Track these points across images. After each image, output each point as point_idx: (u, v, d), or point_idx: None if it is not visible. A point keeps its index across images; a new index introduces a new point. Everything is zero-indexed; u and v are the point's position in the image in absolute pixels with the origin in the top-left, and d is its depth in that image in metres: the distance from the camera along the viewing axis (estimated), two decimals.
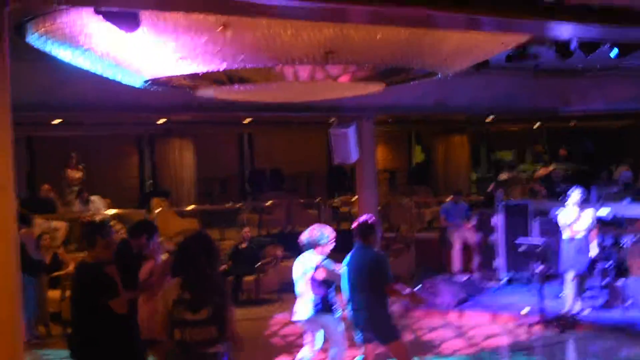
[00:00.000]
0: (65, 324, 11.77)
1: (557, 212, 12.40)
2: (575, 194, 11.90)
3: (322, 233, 8.56)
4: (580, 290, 12.32)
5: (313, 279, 8.45)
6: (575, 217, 11.86)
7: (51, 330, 12.20)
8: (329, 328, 8.58)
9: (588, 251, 11.78)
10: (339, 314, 8.54)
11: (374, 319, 7.98)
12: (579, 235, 11.85)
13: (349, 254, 8.20)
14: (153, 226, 8.46)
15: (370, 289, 7.97)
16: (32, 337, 11.60)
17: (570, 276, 11.98)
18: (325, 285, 8.47)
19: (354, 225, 8.22)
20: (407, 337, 11.61)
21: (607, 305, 12.26)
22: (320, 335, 8.75)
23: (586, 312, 11.93)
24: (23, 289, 10.81)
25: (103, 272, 6.79)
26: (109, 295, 6.68)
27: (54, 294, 12.20)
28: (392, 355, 8.13)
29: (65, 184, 18.00)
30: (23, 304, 10.51)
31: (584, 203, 11.99)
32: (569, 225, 11.91)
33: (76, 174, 18.09)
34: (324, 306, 8.47)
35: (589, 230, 11.83)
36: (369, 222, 8.20)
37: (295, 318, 8.76)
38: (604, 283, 12.64)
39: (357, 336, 8.18)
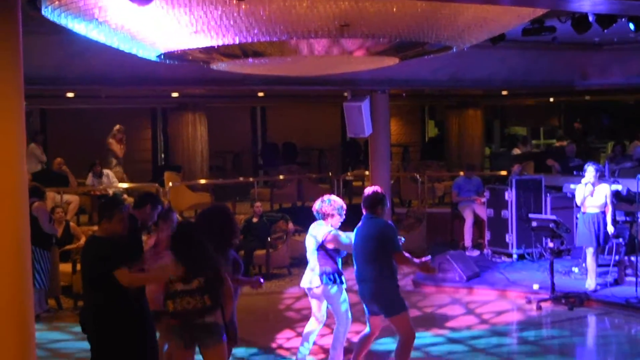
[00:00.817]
0: (76, 297, 11.84)
1: (571, 187, 12.36)
2: (590, 170, 11.85)
3: (333, 204, 8.57)
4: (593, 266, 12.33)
5: (320, 250, 8.48)
6: (589, 192, 11.80)
7: (62, 303, 12.27)
8: (333, 301, 8.61)
9: (602, 227, 11.71)
10: (344, 287, 8.56)
11: (379, 291, 7.99)
12: (594, 211, 11.79)
13: (357, 226, 8.22)
14: (156, 197, 8.52)
15: (378, 260, 7.98)
16: (43, 311, 11.68)
17: (588, 252, 11.94)
18: (333, 257, 8.50)
19: (363, 196, 8.23)
20: (416, 312, 11.66)
21: (617, 282, 12.26)
22: (324, 307, 8.78)
23: (596, 288, 11.91)
24: (35, 262, 11.00)
25: (114, 244, 6.84)
26: (115, 267, 6.73)
27: (65, 267, 12.24)
28: (395, 329, 8.13)
29: (111, 155, 18.24)
30: (34, 277, 10.66)
31: (599, 178, 11.93)
32: (583, 201, 11.87)
33: (119, 146, 18.34)
34: (330, 278, 8.50)
35: (604, 206, 11.78)
36: (378, 193, 8.20)
37: (302, 284, 8.81)
38: (615, 259, 12.64)
39: (365, 309, 8.21)
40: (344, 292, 8.60)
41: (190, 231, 6.99)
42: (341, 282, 8.55)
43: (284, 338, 10.41)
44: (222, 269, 6.87)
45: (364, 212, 8.18)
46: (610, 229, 11.78)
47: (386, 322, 8.21)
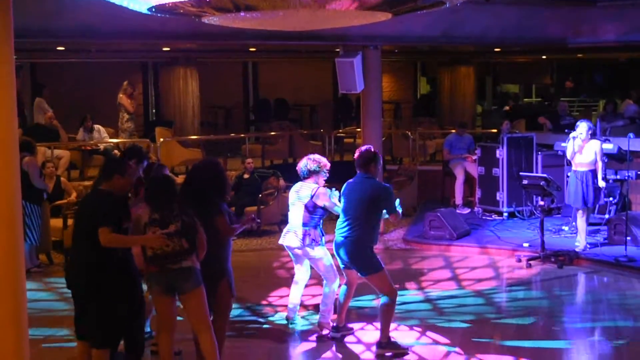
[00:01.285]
0: (66, 252, 11.84)
1: (563, 145, 12.33)
2: (582, 125, 11.80)
3: (318, 162, 8.57)
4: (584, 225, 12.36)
5: (307, 207, 8.49)
6: (578, 147, 11.72)
7: (53, 258, 12.27)
8: (316, 262, 8.64)
9: (591, 186, 11.69)
10: (322, 244, 8.58)
11: (357, 250, 8.05)
12: (583, 169, 11.76)
13: (347, 183, 8.23)
14: (141, 151, 8.47)
15: (366, 221, 8.01)
16: (34, 266, 11.68)
17: (577, 212, 11.94)
18: (316, 217, 8.51)
19: (356, 155, 8.21)
20: (404, 270, 11.71)
21: (607, 241, 12.30)
22: (306, 264, 8.81)
23: (586, 247, 11.96)
24: (25, 217, 10.97)
25: (117, 202, 6.91)
26: (103, 222, 6.75)
27: (56, 222, 12.23)
28: (376, 288, 8.19)
29: (123, 109, 18.26)
30: (25, 233, 10.63)
31: (591, 136, 11.88)
32: (573, 157, 11.85)
33: (127, 101, 18.35)
34: (313, 239, 8.52)
35: (594, 163, 11.72)
36: (370, 151, 8.19)
37: (281, 241, 8.80)
38: (605, 218, 12.69)
39: (339, 262, 8.32)
40: (326, 250, 8.62)
41: (164, 182, 7.10)
42: (322, 243, 8.59)
43: (276, 295, 10.45)
44: (196, 219, 6.91)
45: (358, 171, 8.17)
46: (602, 183, 11.67)
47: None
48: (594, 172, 11.70)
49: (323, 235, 8.63)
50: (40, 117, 17.64)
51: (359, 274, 8.23)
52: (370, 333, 8.76)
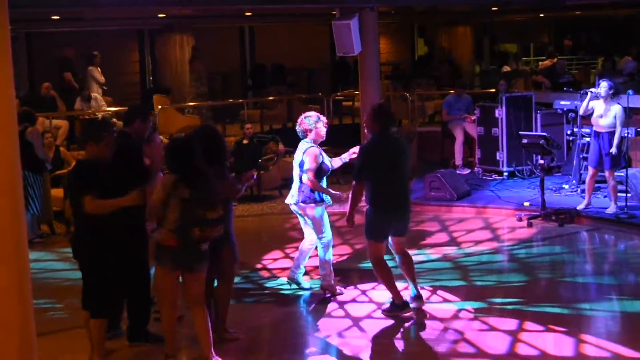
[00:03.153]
0: (68, 222, 11.85)
1: (562, 103, 12.18)
2: (603, 85, 11.45)
3: (310, 118, 8.56)
4: (578, 183, 12.37)
5: (301, 166, 8.50)
6: (604, 111, 11.44)
7: (55, 228, 12.30)
8: (314, 221, 8.66)
9: (608, 149, 11.38)
10: (318, 203, 8.59)
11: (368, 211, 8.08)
12: (602, 130, 11.47)
13: (368, 145, 8.15)
14: (145, 109, 8.39)
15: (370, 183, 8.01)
16: (36, 236, 11.71)
17: (591, 171, 11.80)
18: (316, 174, 8.50)
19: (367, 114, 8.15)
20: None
21: (607, 197, 12.30)
22: (310, 224, 8.81)
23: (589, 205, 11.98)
24: (28, 186, 11.00)
25: (96, 170, 6.81)
26: (86, 190, 6.72)
27: (57, 192, 12.24)
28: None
29: (195, 76, 18.92)
30: (27, 202, 10.64)
31: (612, 97, 11.43)
32: (590, 114, 11.67)
33: (201, 66, 18.99)
34: (310, 198, 8.54)
35: (613, 126, 11.36)
36: (380, 107, 8.20)
37: (286, 201, 8.88)
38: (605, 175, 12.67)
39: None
40: (322, 209, 8.63)
41: (190, 144, 6.92)
42: (322, 201, 8.59)
43: (276, 259, 10.49)
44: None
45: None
46: (613, 149, 11.34)
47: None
48: (609, 135, 11.41)
49: (319, 193, 8.57)
50: (94, 86, 17.87)
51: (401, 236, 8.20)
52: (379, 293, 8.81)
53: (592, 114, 11.64)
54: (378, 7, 14.30)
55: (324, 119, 8.72)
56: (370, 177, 7.97)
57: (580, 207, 11.89)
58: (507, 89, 15.46)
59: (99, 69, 18.18)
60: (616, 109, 11.39)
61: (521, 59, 25.83)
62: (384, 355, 7.42)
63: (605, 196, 12.29)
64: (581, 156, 12.94)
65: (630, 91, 11.80)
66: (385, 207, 8.01)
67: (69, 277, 9.65)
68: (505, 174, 14.64)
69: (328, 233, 8.71)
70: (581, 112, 11.92)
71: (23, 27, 18.76)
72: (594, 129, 11.68)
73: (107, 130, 7.05)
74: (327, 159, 8.66)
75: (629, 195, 11.63)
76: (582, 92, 12.03)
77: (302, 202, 8.59)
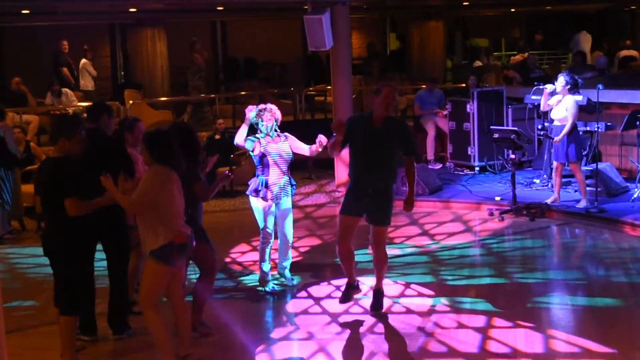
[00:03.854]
0: (39, 218, 11.76)
1: (533, 97, 12.28)
2: (560, 80, 11.64)
3: (252, 110, 8.60)
4: (549, 177, 12.46)
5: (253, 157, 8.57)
6: (555, 102, 11.68)
7: (26, 225, 12.21)
8: (256, 211, 8.69)
9: (567, 140, 11.52)
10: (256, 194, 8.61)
11: None
12: (559, 124, 11.70)
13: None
14: (107, 105, 8.36)
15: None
16: (6, 232, 11.63)
17: (555, 165, 11.92)
18: (258, 166, 8.58)
19: None
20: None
21: (578, 192, 12.38)
22: (270, 219, 8.75)
23: (558, 200, 12.04)
24: (1, 181, 10.93)
25: (69, 167, 6.75)
26: (67, 193, 6.65)
27: (27, 188, 12.13)
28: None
29: (195, 69, 18.76)
30: (1, 197, 10.55)
31: (569, 91, 11.68)
32: (549, 111, 11.83)
33: (201, 59, 18.80)
34: (252, 186, 8.61)
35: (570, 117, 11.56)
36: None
37: (247, 191, 8.82)
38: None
39: None
40: (259, 201, 8.62)
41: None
42: (257, 194, 8.58)
43: (249, 254, 10.47)
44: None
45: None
46: (556, 139, 11.48)
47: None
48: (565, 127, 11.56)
49: (261, 185, 8.58)
50: (87, 79, 18.30)
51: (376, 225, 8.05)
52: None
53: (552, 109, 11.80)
54: (350, 2, 14.30)
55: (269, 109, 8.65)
56: (350, 151, 7.97)
57: (548, 200, 11.96)
58: (477, 84, 15.52)
59: (91, 63, 18.49)
60: (569, 101, 11.52)
61: (492, 53, 25.89)
62: (358, 350, 7.41)
63: (575, 190, 12.37)
64: (551, 151, 13.01)
65: (600, 86, 11.87)
66: (354, 185, 8.00)
67: (39, 273, 9.58)
68: (477, 168, 14.71)
69: (263, 226, 8.69)
70: (542, 108, 12.03)
71: None
72: (554, 123, 11.83)
73: (79, 126, 6.98)
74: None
75: (599, 189, 11.71)
76: (534, 87, 12.10)
77: (249, 194, 8.70)
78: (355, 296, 8.30)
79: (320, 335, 7.68)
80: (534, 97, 13.04)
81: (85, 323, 7.40)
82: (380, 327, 7.84)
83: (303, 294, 8.87)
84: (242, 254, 10.59)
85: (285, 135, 8.70)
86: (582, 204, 11.69)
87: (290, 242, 8.98)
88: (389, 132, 7.91)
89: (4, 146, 11.15)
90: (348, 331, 7.78)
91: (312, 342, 7.52)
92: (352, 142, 7.88)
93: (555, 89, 11.71)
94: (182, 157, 6.79)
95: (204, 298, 7.58)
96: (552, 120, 11.91)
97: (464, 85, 17.59)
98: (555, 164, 11.87)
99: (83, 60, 18.67)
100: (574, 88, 11.69)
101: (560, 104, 11.62)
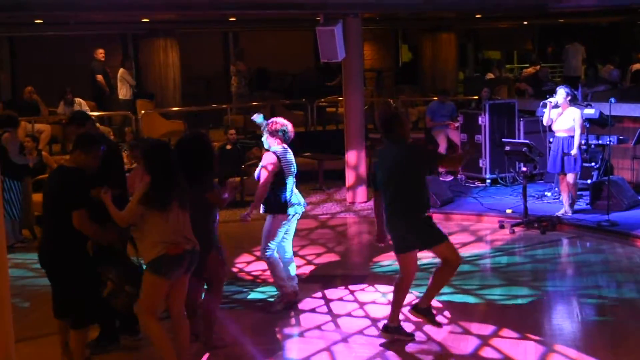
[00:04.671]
0: None
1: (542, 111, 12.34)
2: (560, 92, 11.83)
3: (275, 126, 8.52)
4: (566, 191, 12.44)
5: (258, 175, 8.49)
6: (556, 115, 11.83)
7: (37, 233, 12.22)
8: (267, 227, 8.57)
9: (569, 150, 11.71)
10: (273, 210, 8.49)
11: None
12: (563, 134, 11.80)
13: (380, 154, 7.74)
14: (83, 115, 8.37)
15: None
16: (17, 241, 11.64)
17: (559, 177, 12.02)
18: (273, 184, 8.40)
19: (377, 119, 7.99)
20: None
21: (590, 206, 12.35)
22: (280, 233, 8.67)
23: (569, 212, 12.01)
24: (4, 192, 10.92)
25: (82, 179, 6.73)
26: (77, 204, 6.62)
27: (38, 197, 12.13)
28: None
29: (241, 75, 19.27)
30: (4, 208, 10.56)
31: (570, 102, 11.89)
32: (551, 123, 11.91)
33: (242, 66, 19.19)
34: (270, 204, 8.45)
35: (573, 130, 11.73)
36: (390, 113, 7.83)
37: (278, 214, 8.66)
38: (587, 183, 12.72)
39: None
40: (275, 217, 8.50)
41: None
42: (278, 211, 8.45)
43: (260, 266, 10.46)
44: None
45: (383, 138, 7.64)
46: (574, 151, 11.62)
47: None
48: (571, 139, 11.74)
49: (280, 202, 8.44)
50: (124, 89, 18.55)
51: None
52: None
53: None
54: (362, 14, 14.32)
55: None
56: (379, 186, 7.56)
57: (559, 213, 11.94)
58: (490, 97, 15.50)
59: (129, 72, 18.87)
60: (574, 113, 11.70)
61: (504, 66, 25.91)
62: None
63: (587, 204, 12.35)
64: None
65: (612, 99, 11.87)
66: (386, 217, 7.58)
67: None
68: (488, 181, 14.67)
69: (272, 241, 8.55)
70: (545, 122, 12.07)
71: (6, 32, 18.69)
72: (556, 134, 11.91)
73: (99, 143, 6.98)
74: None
75: (611, 203, 11.67)
76: (542, 102, 12.17)
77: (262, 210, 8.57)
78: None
79: (335, 346, 7.66)
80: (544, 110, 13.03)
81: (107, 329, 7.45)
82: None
83: (312, 305, 8.84)
84: (248, 264, 10.56)
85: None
86: (563, 211, 11.94)
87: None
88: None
89: (7, 157, 11.19)
90: (358, 344, 7.75)
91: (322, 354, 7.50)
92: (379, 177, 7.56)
93: (555, 102, 11.79)
94: (180, 172, 6.77)
95: (213, 310, 7.57)
96: (553, 133, 12.04)
97: (475, 97, 17.58)
98: (559, 176, 11.99)
99: (121, 70, 18.96)
100: (574, 100, 11.91)
101: (562, 115, 11.75)
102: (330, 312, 8.65)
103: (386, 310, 8.03)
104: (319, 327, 8.20)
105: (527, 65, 24.05)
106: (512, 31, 29.80)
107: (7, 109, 13.18)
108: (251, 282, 9.84)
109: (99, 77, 18.58)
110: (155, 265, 6.54)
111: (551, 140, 12.36)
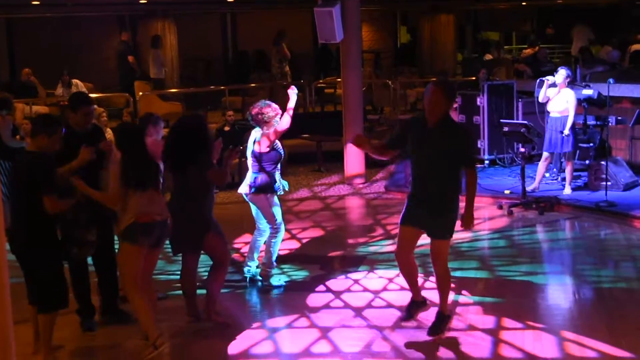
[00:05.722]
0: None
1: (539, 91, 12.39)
2: (561, 72, 11.88)
3: (263, 111, 8.60)
4: (559, 171, 12.52)
5: (252, 154, 8.52)
6: (553, 94, 11.97)
7: None
8: (261, 209, 8.61)
9: (562, 128, 11.86)
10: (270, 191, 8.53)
11: None
12: (556, 115, 11.95)
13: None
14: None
15: None
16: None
17: (544, 155, 12.24)
18: (267, 163, 8.46)
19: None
20: (388, 218, 11.70)
21: (587, 186, 12.36)
22: (260, 215, 8.72)
23: (566, 192, 12.04)
24: (1, 175, 10.90)
25: (49, 164, 6.71)
26: (48, 189, 6.61)
27: None
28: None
29: (282, 58, 19.43)
30: (2, 190, 10.55)
31: (569, 84, 11.93)
32: (546, 102, 11.98)
33: (282, 48, 19.40)
34: (258, 186, 8.48)
35: (567, 111, 11.83)
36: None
37: (239, 190, 8.74)
38: (585, 164, 12.73)
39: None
40: (275, 199, 8.58)
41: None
42: (272, 191, 8.52)
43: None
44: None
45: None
46: (566, 132, 11.81)
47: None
48: (565, 119, 11.90)
49: (274, 182, 8.52)
50: (156, 70, 18.64)
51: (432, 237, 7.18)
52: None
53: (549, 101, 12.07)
54: None
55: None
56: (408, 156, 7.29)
57: (529, 188, 12.07)
58: (488, 78, 15.47)
59: (161, 52, 19.08)
60: (568, 94, 11.88)
61: (503, 47, 25.84)
62: (363, 340, 7.39)
63: (584, 182, 12.37)
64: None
65: (611, 79, 11.87)
66: (410, 193, 7.25)
67: None
68: (487, 162, 14.67)
69: (274, 220, 8.62)
70: (540, 99, 12.17)
71: (3, 13, 18.64)
72: (550, 115, 12.07)
73: (59, 124, 6.99)
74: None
75: (609, 183, 11.68)
76: (538, 80, 12.23)
77: (252, 192, 8.53)
78: (420, 314, 7.52)
79: (326, 323, 7.67)
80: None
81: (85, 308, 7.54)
82: (384, 319, 7.81)
83: (311, 285, 8.85)
84: (246, 244, 10.56)
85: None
86: (567, 191, 12.08)
87: None
88: (444, 135, 6.93)
89: (1, 140, 11.14)
90: (358, 322, 7.76)
91: (314, 330, 7.52)
92: (409, 145, 7.12)
93: (554, 82, 11.87)
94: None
95: (216, 289, 7.61)
96: (548, 112, 12.10)
97: (473, 78, 17.55)
98: (544, 153, 12.23)
99: (152, 50, 19.05)
100: (573, 82, 12.08)
101: (558, 96, 11.89)
102: (329, 290, 8.66)
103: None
104: (327, 306, 8.23)
105: (526, 46, 24.01)
106: (511, 12, 29.73)
107: (4, 91, 13.12)
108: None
109: (131, 58, 18.81)
110: (125, 233, 6.78)
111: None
